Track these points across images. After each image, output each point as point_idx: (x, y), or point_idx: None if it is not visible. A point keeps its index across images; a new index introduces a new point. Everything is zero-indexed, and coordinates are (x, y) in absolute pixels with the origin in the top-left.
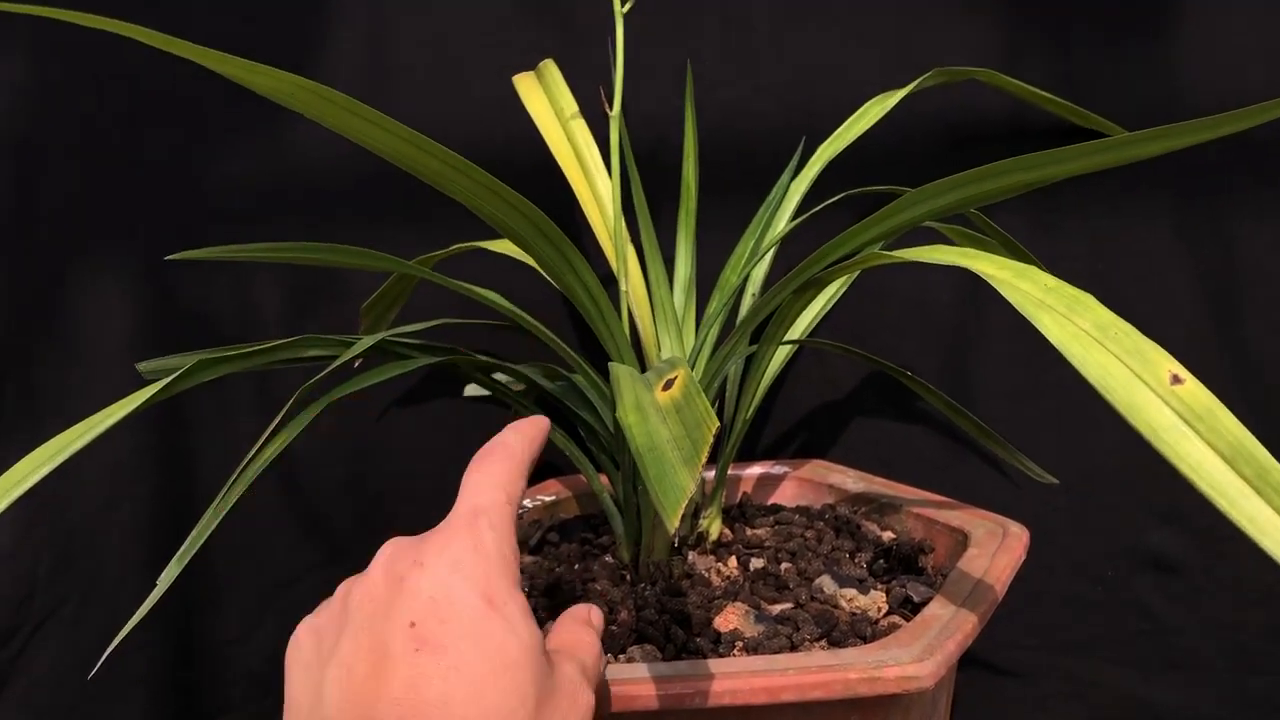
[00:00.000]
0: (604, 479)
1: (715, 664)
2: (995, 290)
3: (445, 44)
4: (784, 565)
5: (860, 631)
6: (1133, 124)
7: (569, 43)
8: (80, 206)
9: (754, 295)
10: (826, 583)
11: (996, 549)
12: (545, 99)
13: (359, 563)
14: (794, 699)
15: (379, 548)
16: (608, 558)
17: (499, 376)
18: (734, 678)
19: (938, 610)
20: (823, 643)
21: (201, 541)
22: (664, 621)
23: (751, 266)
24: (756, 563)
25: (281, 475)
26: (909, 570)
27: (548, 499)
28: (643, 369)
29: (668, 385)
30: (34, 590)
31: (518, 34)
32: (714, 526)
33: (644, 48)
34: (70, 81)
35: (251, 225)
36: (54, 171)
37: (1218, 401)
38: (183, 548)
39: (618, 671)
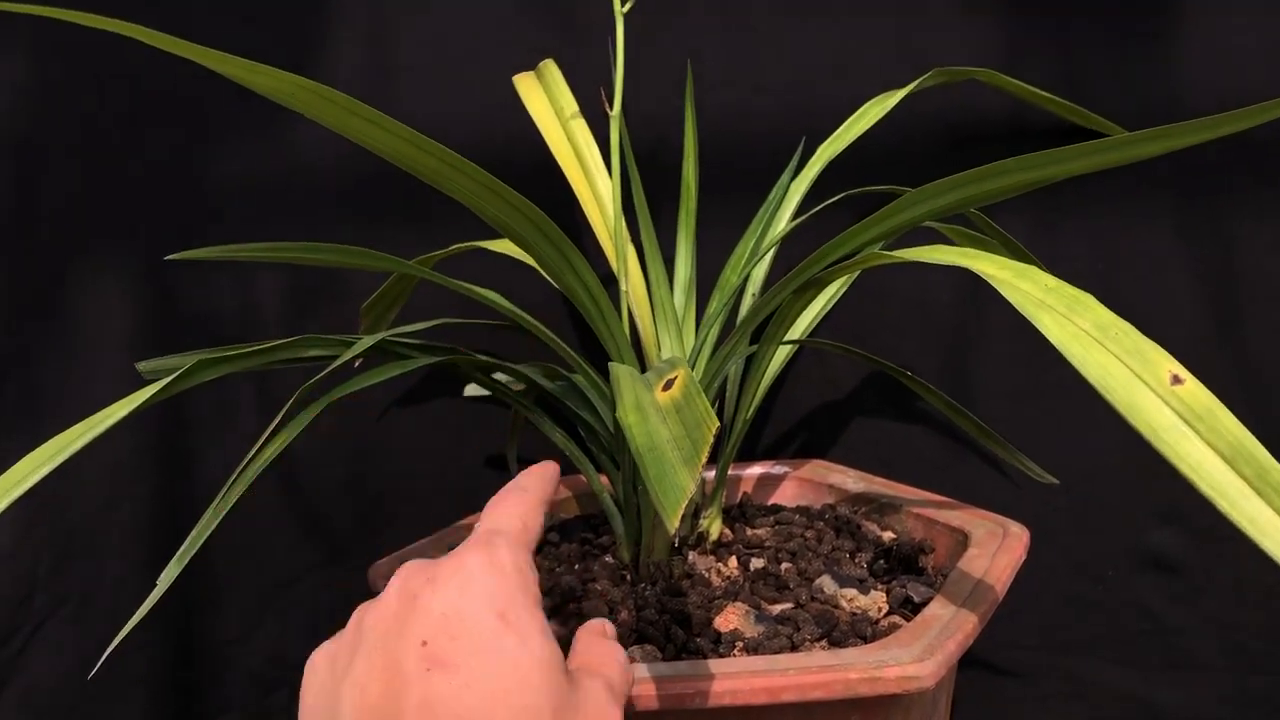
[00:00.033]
0: (604, 479)
1: (715, 664)
2: (995, 290)
3: (445, 44)
4: (784, 565)
5: (861, 632)
6: (1133, 124)
7: (569, 43)
8: (80, 206)
9: (754, 295)
10: (827, 583)
11: (997, 549)
12: (545, 99)
13: (359, 562)
14: (794, 699)
15: (379, 547)
16: (608, 558)
17: (499, 376)
18: (734, 678)
19: (938, 610)
20: (823, 643)
21: (201, 541)
22: (664, 621)
23: (752, 266)
24: (757, 563)
25: (282, 475)
26: (909, 570)
27: None
28: (643, 369)
29: (668, 385)
30: (34, 590)
31: (518, 34)
32: (714, 526)
33: (644, 47)
34: (71, 81)
35: (251, 225)
36: (54, 171)
37: (1218, 402)
38: (183, 548)
39: None
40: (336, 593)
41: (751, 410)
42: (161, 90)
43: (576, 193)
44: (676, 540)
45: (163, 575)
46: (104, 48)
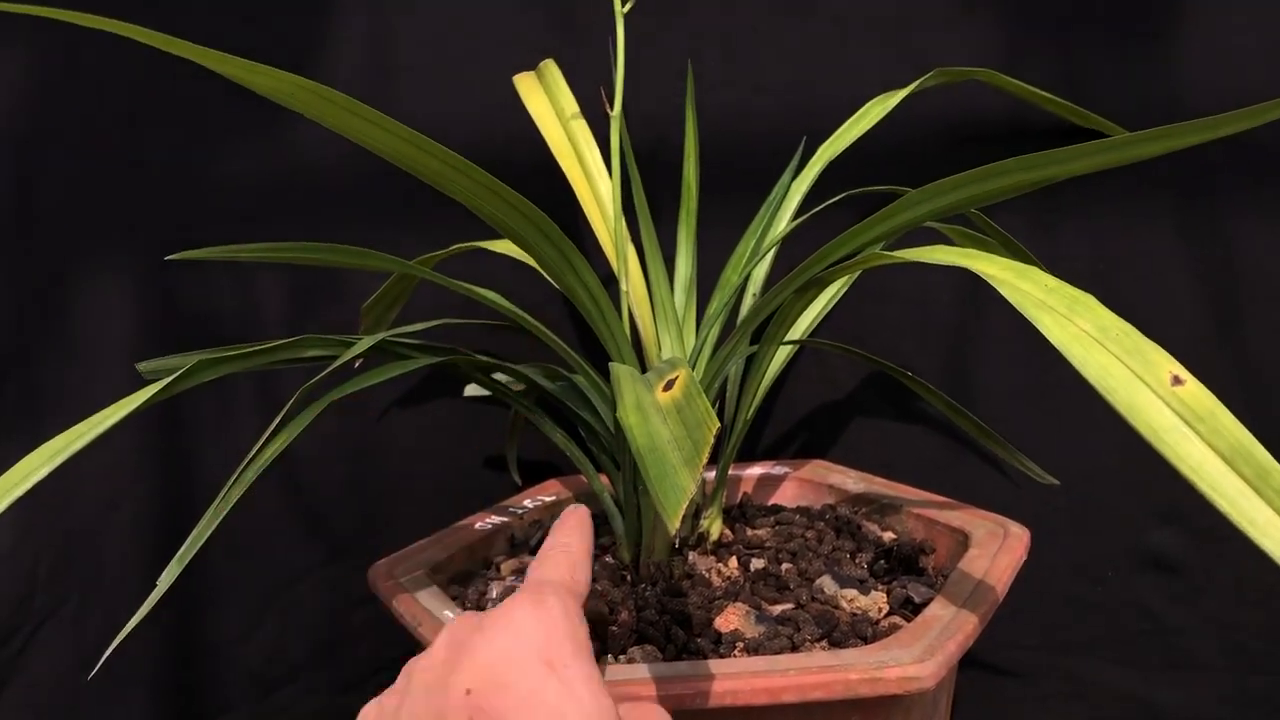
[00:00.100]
0: (604, 479)
1: (716, 664)
2: (996, 291)
3: (445, 44)
4: (785, 566)
5: (861, 632)
6: (1133, 124)
7: (569, 43)
8: (81, 206)
9: (755, 295)
10: (827, 583)
11: (997, 550)
12: (546, 99)
13: (359, 562)
14: (795, 699)
15: (379, 548)
16: (608, 558)
17: (499, 376)
18: (735, 678)
19: (938, 611)
20: (823, 643)
21: (202, 541)
22: (664, 622)
23: (752, 266)
24: (757, 563)
25: (282, 475)
26: (910, 571)
27: (548, 499)
28: (643, 369)
29: (668, 385)
30: (34, 590)
31: (518, 34)
32: (714, 527)
33: (644, 48)
34: (71, 81)
35: (252, 225)
36: (54, 171)
37: (1218, 402)
38: (183, 548)
39: (618, 672)
40: (337, 593)
41: (752, 410)
42: (161, 90)
43: (577, 193)
44: (677, 541)
45: (163, 575)
46: (104, 48)
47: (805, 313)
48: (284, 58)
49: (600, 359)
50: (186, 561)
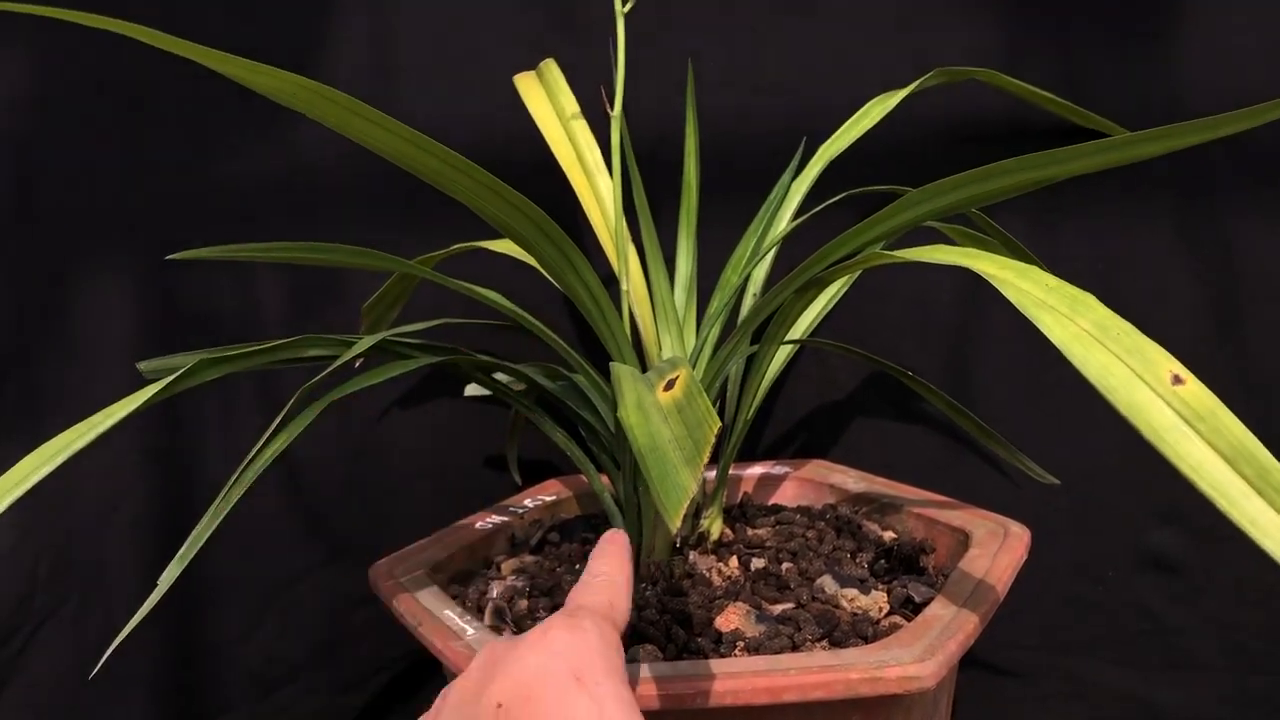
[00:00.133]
0: (605, 479)
1: (717, 664)
2: (996, 290)
3: (446, 44)
4: (785, 565)
5: (862, 632)
6: (1133, 124)
7: (570, 42)
8: (81, 206)
9: (755, 295)
10: (828, 583)
11: (998, 549)
12: (546, 98)
13: (359, 562)
14: (795, 699)
15: (379, 547)
16: None
17: (500, 376)
18: (735, 678)
19: (939, 610)
20: (824, 643)
21: (203, 541)
22: (665, 621)
23: (753, 266)
24: (758, 563)
25: (282, 475)
26: (910, 570)
27: (548, 499)
28: (644, 369)
29: (669, 385)
30: (34, 590)
31: (518, 34)
32: (715, 526)
33: (645, 47)
34: (71, 81)
35: (252, 225)
36: (54, 171)
37: (1219, 402)
38: (184, 547)
39: None
40: (337, 593)
41: (752, 410)
42: (162, 90)
43: (577, 192)
44: (678, 540)
45: (164, 575)
46: (104, 48)
47: (806, 312)
48: (284, 58)
49: (601, 359)
50: (187, 561)
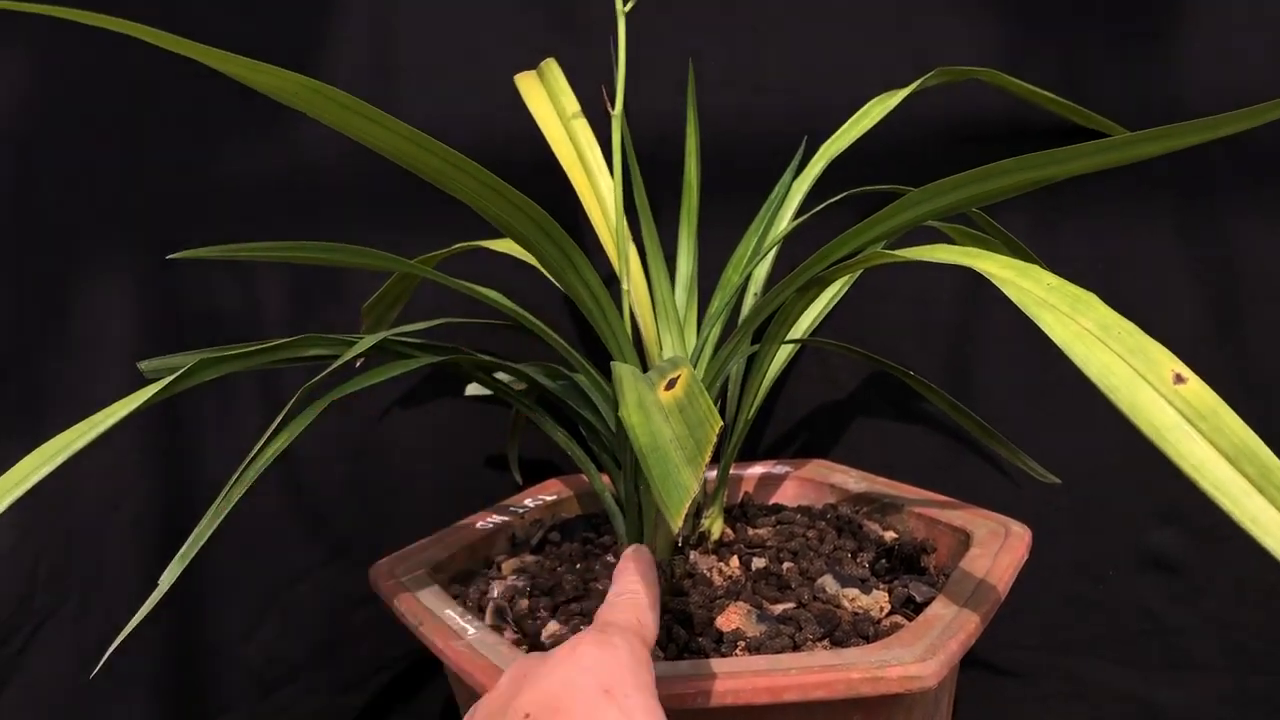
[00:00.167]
0: (605, 478)
1: (718, 664)
2: (997, 290)
3: (446, 43)
4: (786, 565)
5: (863, 631)
6: (1134, 124)
7: (570, 42)
8: (81, 205)
9: (756, 294)
10: (829, 582)
11: (999, 549)
12: (547, 98)
13: (360, 562)
14: (796, 699)
15: (380, 547)
16: (609, 557)
17: (500, 376)
18: (736, 677)
19: (940, 610)
20: (825, 642)
21: (203, 541)
22: (666, 621)
23: (753, 265)
24: (758, 562)
25: (283, 474)
26: (911, 570)
27: (549, 498)
28: (644, 369)
29: (670, 384)
30: (35, 589)
31: (519, 33)
32: (716, 526)
33: (646, 47)
34: (71, 81)
35: (253, 224)
36: (56, 170)
37: (1221, 401)
38: (185, 547)
39: None
40: (337, 592)
41: (753, 410)
42: (162, 90)
43: (578, 192)
44: (679, 540)
45: (164, 575)
46: (104, 47)
47: (806, 312)
48: (284, 58)
49: (601, 358)
50: (188, 561)
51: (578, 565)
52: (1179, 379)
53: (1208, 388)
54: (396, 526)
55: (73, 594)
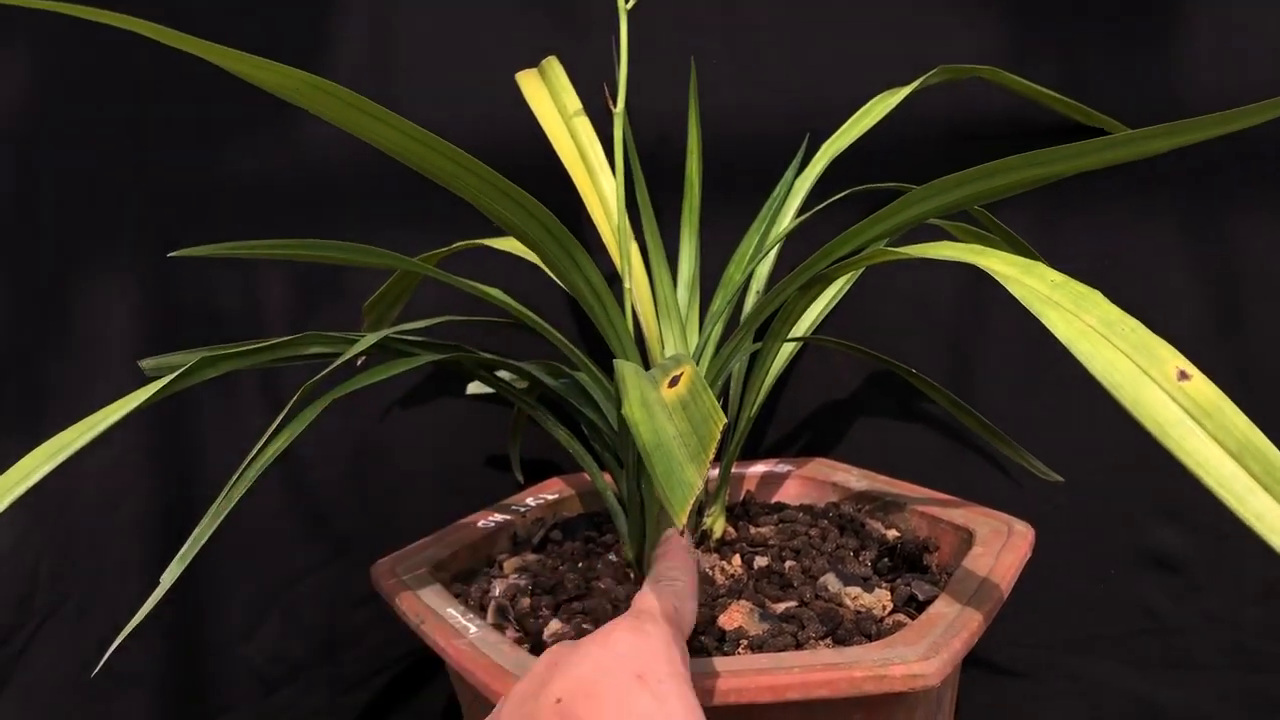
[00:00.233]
0: (607, 477)
1: (720, 662)
2: (1000, 287)
3: (447, 42)
4: (788, 563)
5: (865, 630)
6: (1135, 122)
7: (572, 40)
8: (82, 204)
9: (758, 292)
10: (831, 581)
11: (1001, 547)
12: (549, 96)
13: (361, 561)
14: (799, 697)
15: (381, 546)
16: (611, 556)
17: (502, 374)
18: (739, 676)
19: (943, 608)
20: (828, 641)
21: (204, 540)
22: None
23: (756, 263)
24: (761, 561)
25: (284, 473)
26: (914, 568)
27: (550, 497)
28: (646, 367)
29: (673, 382)
30: (35, 589)
31: (520, 31)
32: (718, 525)
33: (647, 45)
34: (73, 80)
35: (255, 223)
36: (57, 168)
37: (1225, 397)
38: (185, 546)
39: None
40: (339, 591)
41: (755, 408)
42: (164, 88)
43: (580, 190)
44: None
45: (165, 574)
46: (106, 45)
47: (809, 310)
48: (285, 56)
49: (603, 356)
50: (189, 560)
51: (579, 564)
52: (1183, 375)
53: (1212, 384)
54: (398, 525)
55: (73, 594)
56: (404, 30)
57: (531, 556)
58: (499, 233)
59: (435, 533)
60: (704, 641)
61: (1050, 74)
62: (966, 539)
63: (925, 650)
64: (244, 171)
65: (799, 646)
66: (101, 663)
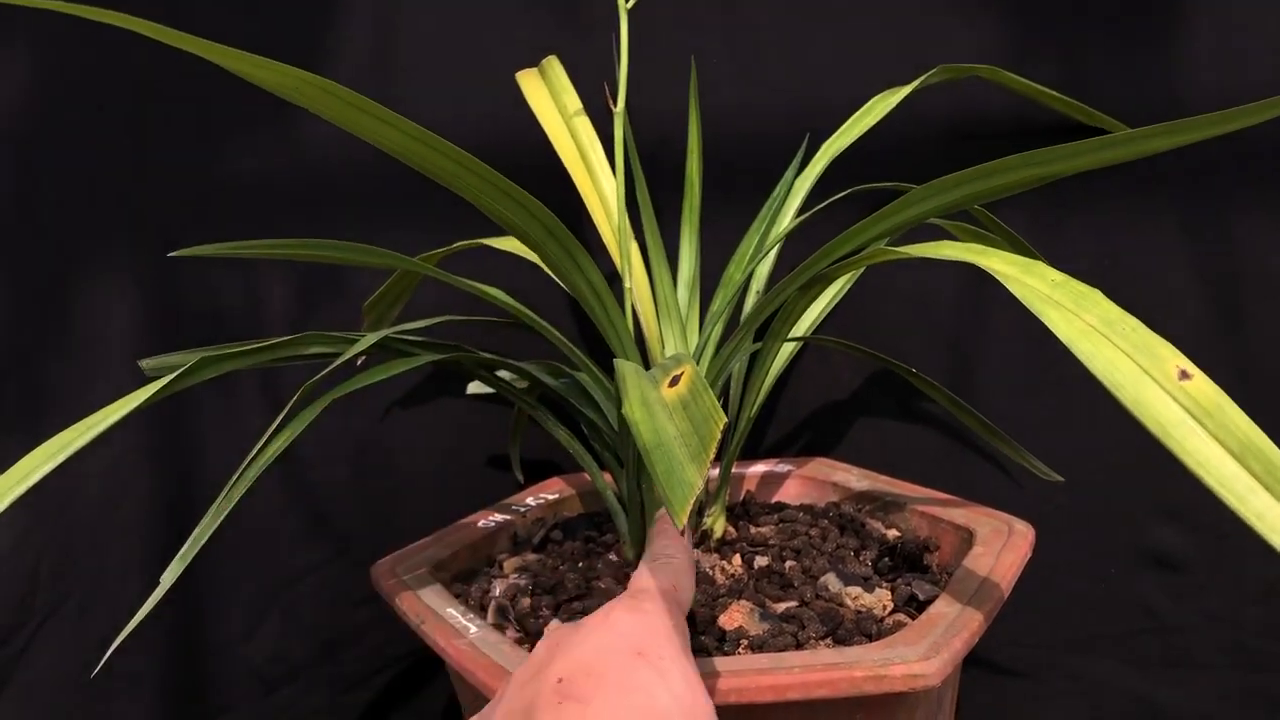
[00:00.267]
0: (608, 477)
1: (721, 662)
2: (1000, 287)
3: (448, 41)
4: (789, 563)
5: (866, 629)
6: (1136, 122)
7: (572, 39)
8: (83, 203)
9: (758, 292)
10: (831, 581)
11: (1002, 547)
12: (549, 95)
13: (361, 561)
14: (800, 697)
15: (381, 546)
16: (611, 556)
17: (502, 374)
18: (739, 676)
19: (943, 608)
20: (828, 641)
21: (205, 540)
22: None
23: (756, 263)
24: (761, 561)
25: (284, 473)
26: (914, 568)
27: (551, 497)
28: (646, 366)
29: (674, 381)
30: (35, 589)
31: (521, 31)
32: (718, 524)
33: (648, 44)
34: (73, 79)
35: (255, 222)
36: (57, 168)
37: (1226, 397)
38: (186, 546)
39: None
40: (339, 591)
41: (755, 408)
42: (164, 88)
43: (580, 190)
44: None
45: (165, 574)
46: (106, 45)
47: (809, 310)
48: (286, 56)
49: (603, 356)
50: (189, 560)
51: (580, 564)
52: (1184, 375)
53: (1213, 384)
54: (398, 525)
55: (73, 594)
56: (405, 29)
57: (532, 556)
58: (499, 233)
59: (435, 533)
60: (704, 641)
61: (1050, 74)
62: (967, 539)
63: (926, 650)
64: (244, 171)
65: (799, 646)
66: (102, 663)
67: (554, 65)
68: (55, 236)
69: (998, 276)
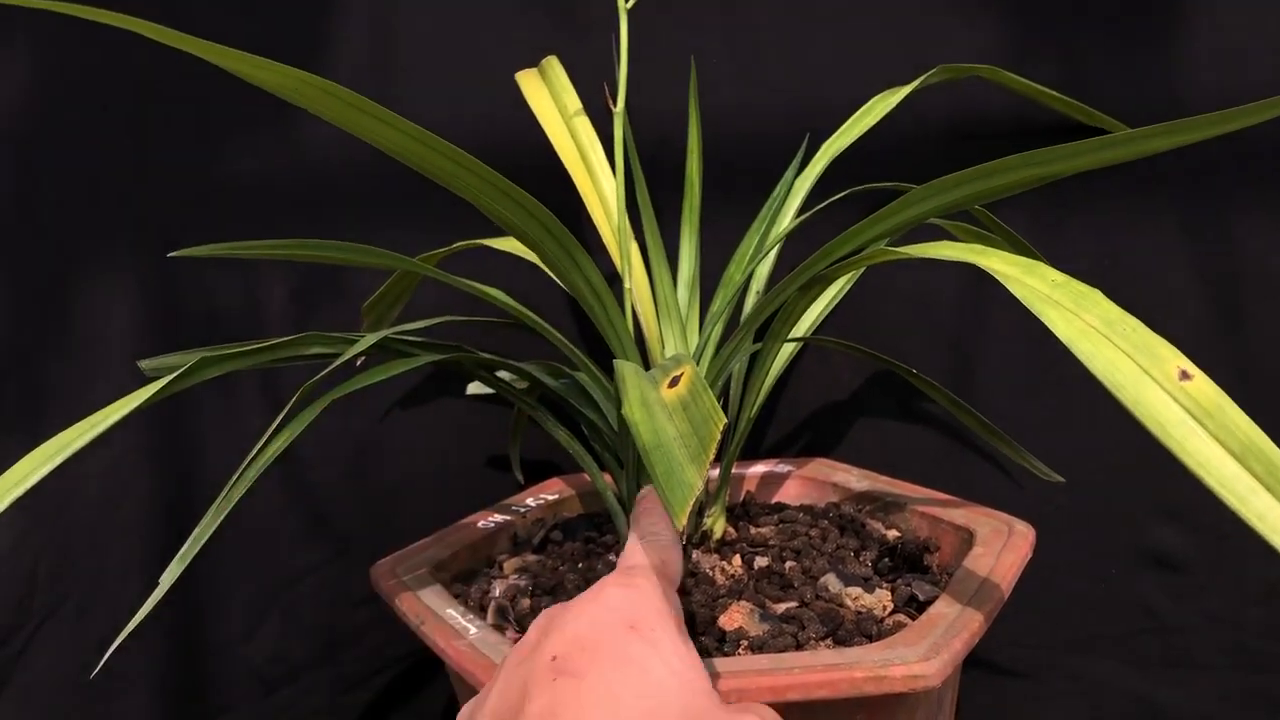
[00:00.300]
0: (607, 477)
1: (720, 663)
2: (1000, 287)
3: (447, 42)
4: (789, 564)
5: (866, 630)
6: (1136, 122)
7: (572, 39)
8: (82, 204)
9: (758, 292)
10: (831, 581)
11: (1002, 547)
12: (548, 96)
13: (361, 561)
14: (799, 698)
15: (381, 547)
16: (611, 556)
17: (502, 374)
18: (739, 676)
19: (944, 609)
20: (828, 641)
21: (204, 540)
22: None
23: (756, 263)
24: (761, 561)
25: (284, 474)
26: (914, 569)
27: (551, 497)
28: (646, 367)
29: (674, 382)
30: (34, 589)
31: (521, 31)
32: (718, 525)
33: (648, 44)
34: (73, 80)
35: (255, 223)
36: (57, 168)
37: (1227, 397)
38: (185, 546)
39: None
40: (339, 592)
41: (755, 408)
42: (164, 88)
43: (580, 190)
44: (682, 538)
45: (165, 574)
46: (106, 45)
47: (809, 310)
48: (285, 56)
49: (603, 356)
50: (189, 560)
51: (580, 564)
52: (1184, 375)
53: (1213, 384)
54: (398, 526)
55: (72, 594)
56: (404, 30)
57: (532, 557)
58: (499, 233)
59: (435, 533)
60: (704, 642)
61: (1050, 74)
62: (967, 539)
63: (926, 651)
64: (244, 171)
65: (799, 647)
66: (101, 663)
67: (554, 65)
68: (55, 236)
69: (998, 277)
